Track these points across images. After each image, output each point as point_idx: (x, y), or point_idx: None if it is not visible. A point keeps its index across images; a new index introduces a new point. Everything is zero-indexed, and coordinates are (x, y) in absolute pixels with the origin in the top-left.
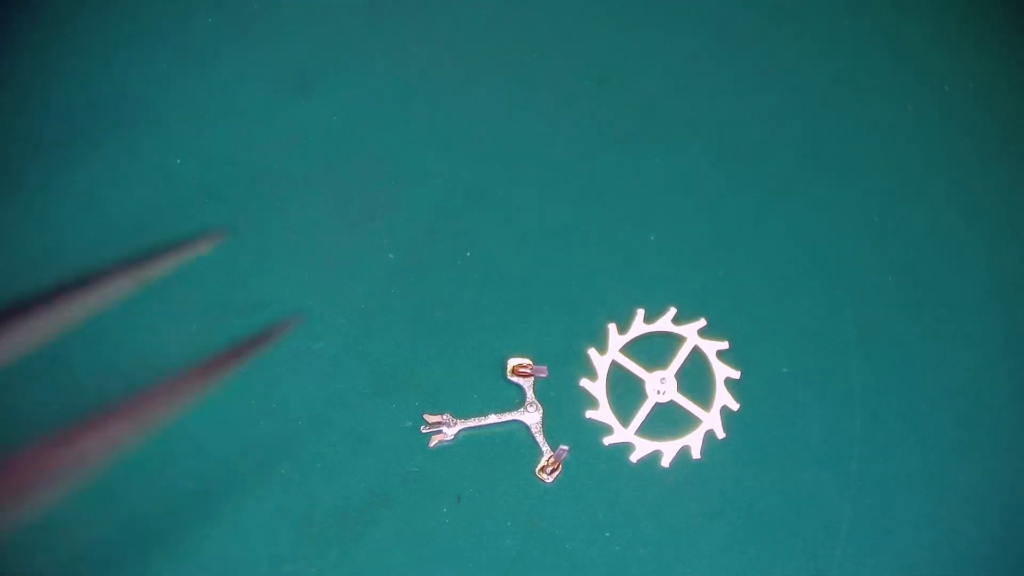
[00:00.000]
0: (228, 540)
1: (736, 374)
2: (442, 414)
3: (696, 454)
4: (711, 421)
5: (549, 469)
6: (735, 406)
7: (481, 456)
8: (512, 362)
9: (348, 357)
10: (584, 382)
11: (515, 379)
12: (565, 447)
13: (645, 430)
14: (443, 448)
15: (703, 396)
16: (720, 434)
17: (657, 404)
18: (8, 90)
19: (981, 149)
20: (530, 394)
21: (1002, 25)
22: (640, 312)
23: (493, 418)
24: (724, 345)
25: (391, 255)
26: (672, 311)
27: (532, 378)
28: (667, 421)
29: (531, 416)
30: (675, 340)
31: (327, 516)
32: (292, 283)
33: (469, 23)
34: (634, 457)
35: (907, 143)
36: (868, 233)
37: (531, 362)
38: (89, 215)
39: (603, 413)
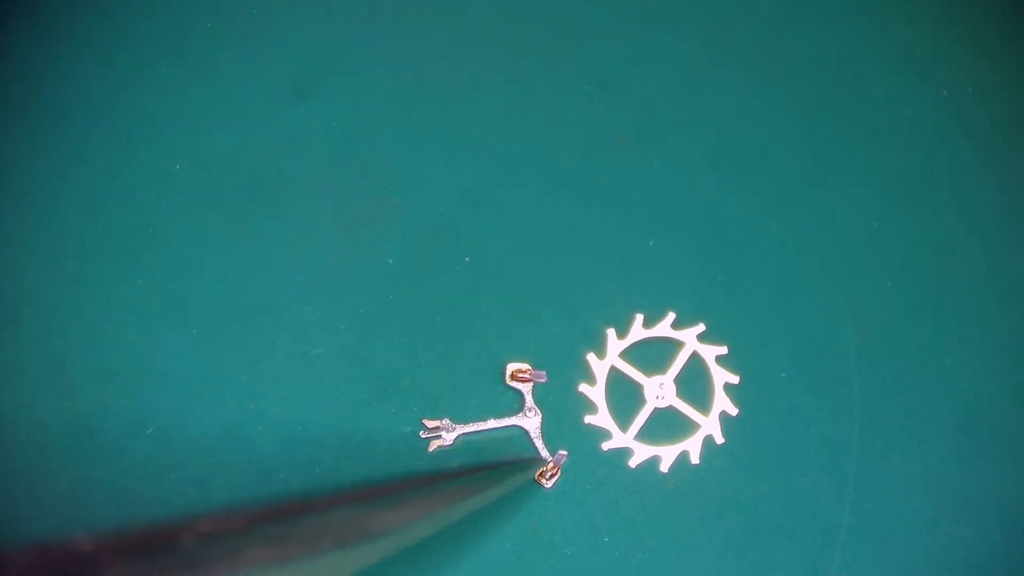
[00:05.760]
0: None
1: (735, 379)
2: (441, 419)
3: (695, 459)
4: (710, 426)
5: (548, 474)
6: (734, 411)
7: (480, 461)
8: (511, 367)
9: (347, 362)
10: (583, 387)
11: (514, 384)
12: (564, 452)
13: (644, 435)
14: (442, 453)
15: (702, 401)
16: (719, 439)
17: (656, 409)
18: (7, 93)
19: (980, 153)
20: (529, 399)
21: (1001, 29)
22: (639, 317)
23: (492, 423)
24: (723, 350)
25: (390, 260)
26: (671, 316)
27: (531, 383)
28: (666, 426)
29: (530, 421)
30: (674, 345)
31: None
32: (291, 288)
33: (468, 28)
34: (633, 462)
35: (906, 147)
36: (867, 238)
37: (530, 367)
38: (88, 220)
39: (602, 418)
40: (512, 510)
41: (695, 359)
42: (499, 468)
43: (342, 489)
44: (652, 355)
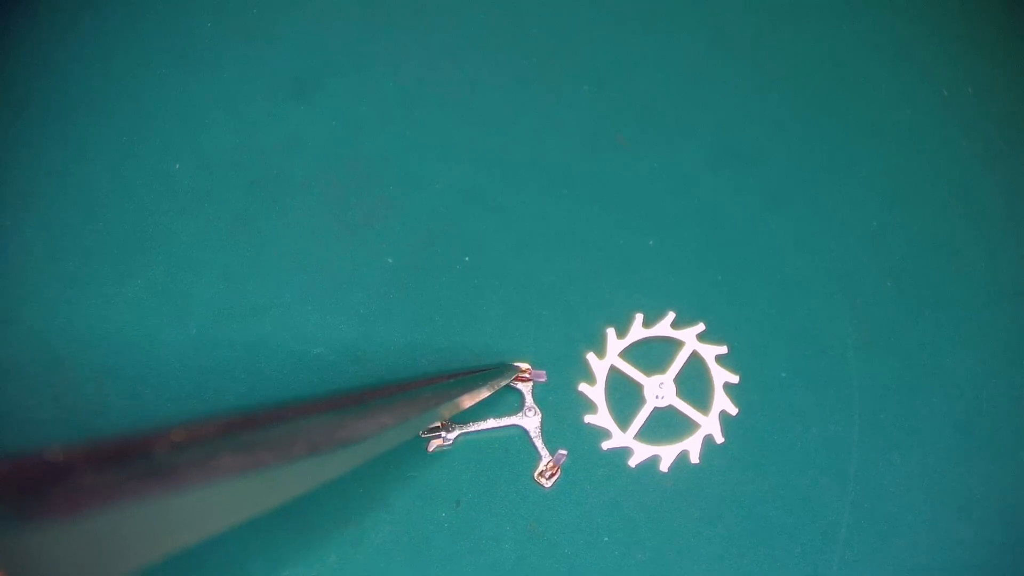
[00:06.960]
0: (227, 544)
1: (735, 378)
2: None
3: (695, 459)
4: (710, 426)
5: (548, 474)
6: (734, 411)
7: (480, 461)
8: None
9: (346, 362)
10: (583, 387)
11: (514, 384)
12: (564, 451)
13: (644, 435)
14: (442, 453)
15: (702, 401)
16: (719, 439)
17: (656, 409)
18: (7, 93)
19: (980, 153)
20: (529, 399)
21: (1001, 29)
22: (639, 317)
23: (492, 422)
24: (723, 349)
25: (390, 260)
26: (671, 316)
27: (531, 383)
28: (666, 426)
29: (530, 421)
30: (674, 345)
31: (326, 520)
32: (291, 288)
33: (467, 28)
34: (633, 462)
35: (906, 148)
36: (867, 238)
37: (530, 367)
38: (88, 220)
39: (602, 418)
40: (511, 509)
41: (695, 359)
42: (474, 375)
43: (315, 397)
44: (652, 355)
